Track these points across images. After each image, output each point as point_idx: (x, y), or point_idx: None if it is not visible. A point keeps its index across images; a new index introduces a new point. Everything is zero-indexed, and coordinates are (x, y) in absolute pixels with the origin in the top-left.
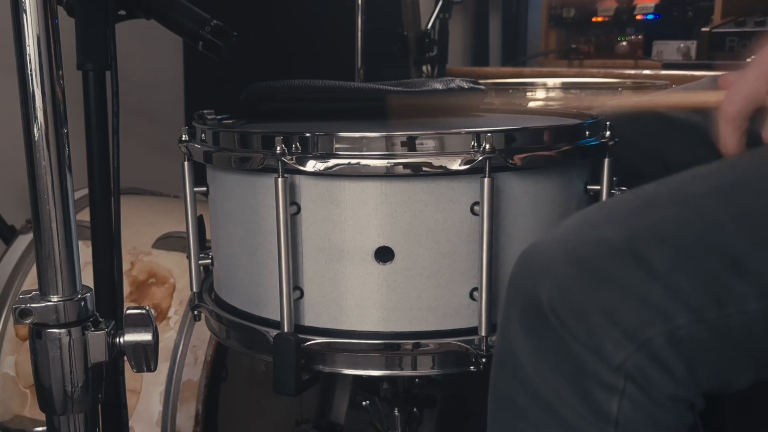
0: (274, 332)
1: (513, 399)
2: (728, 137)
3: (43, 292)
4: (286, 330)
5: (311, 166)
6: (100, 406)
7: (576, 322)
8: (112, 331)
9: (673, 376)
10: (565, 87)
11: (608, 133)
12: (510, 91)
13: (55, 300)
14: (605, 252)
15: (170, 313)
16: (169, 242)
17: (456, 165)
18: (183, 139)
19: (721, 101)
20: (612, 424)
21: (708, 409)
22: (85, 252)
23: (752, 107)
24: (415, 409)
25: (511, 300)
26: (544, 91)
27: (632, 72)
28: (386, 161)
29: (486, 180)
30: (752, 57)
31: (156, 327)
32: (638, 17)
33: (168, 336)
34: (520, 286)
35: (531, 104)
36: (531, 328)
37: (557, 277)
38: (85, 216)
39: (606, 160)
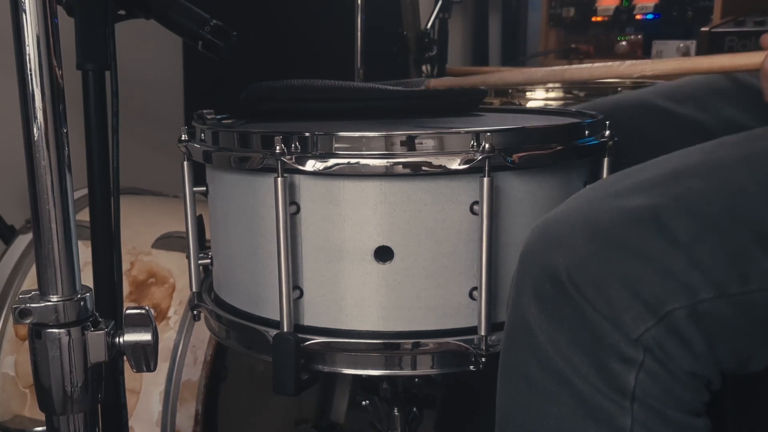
0: (273, 332)
1: (525, 371)
2: None
3: (43, 292)
4: (285, 330)
5: (311, 165)
6: (99, 406)
7: (595, 292)
8: (112, 331)
9: (693, 351)
10: (564, 87)
11: (607, 132)
12: (509, 91)
13: (55, 300)
14: (628, 221)
15: (170, 313)
16: (169, 242)
17: (455, 164)
18: (182, 138)
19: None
20: (629, 397)
21: (709, 407)
22: (84, 252)
23: None
24: (414, 409)
25: (525, 271)
26: (544, 91)
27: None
28: (386, 161)
29: (485, 179)
30: None
31: (156, 327)
32: (638, 17)
33: (168, 336)
34: (536, 256)
35: (530, 104)
36: (546, 298)
37: (577, 246)
38: (84, 216)
39: (605, 160)
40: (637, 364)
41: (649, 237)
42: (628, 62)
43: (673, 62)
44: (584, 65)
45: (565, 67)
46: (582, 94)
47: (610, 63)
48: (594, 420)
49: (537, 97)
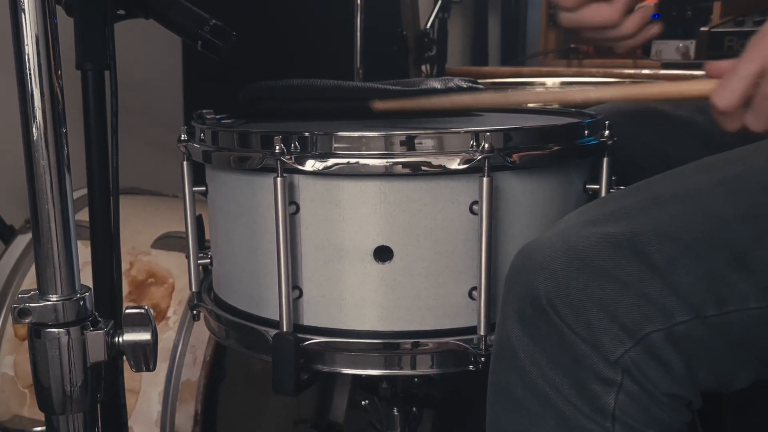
0: (273, 332)
1: (511, 391)
2: (726, 126)
3: (42, 292)
4: (285, 330)
5: (310, 165)
6: (99, 405)
7: (574, 316)
8: (111, 331)
9: (671, 372)
10: (564, 87)
11: (607, 132)
12: (509, 90)
13: (54, 300)
14: (606, 247)
15: (169, 313)
16: (168, 242)
17: (455, 164)
18: (182, 138)
19: (711, 91)
20: (609, 417)
21: (707, 408)
22: (84, 252)
23: (743, 101)
24: (414, 409)
25: (509, 293)
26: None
27: (631, 71)
28: (385, 161)
29: (485, 179)
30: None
31: (155, 327)
32: None
33: (167, 336)
34: (519, 279)
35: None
36: (529, 321)
37: (557, 270)
38: (84, 216)
39: (605, 159)
40: (616, 386)
41: (625, 262)
42: (576, 88)
43: (617, 89)
44: (535, 90)
45: (508, 93)
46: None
47: (551, 89)
48: None
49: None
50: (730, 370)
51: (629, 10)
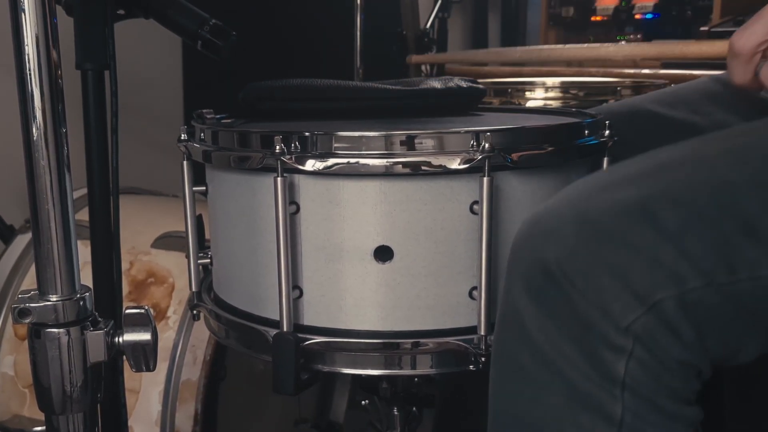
0: (273, 332)
1: (517, 360)
2: (737, 74)
3: (42, 292)
4: (285, 329)
5: (310, 165)
6: (99, 405)
7: (585, 282)
8: (111, 331)
9: (682, 340)
10: (564, 86)
11: (607, 132)
12: (509, 90)
13: (54, 300)
14: (617, 212)
15: (169, 313)
16: (168, 242)
17: (455, 164)
18: (182, 138)
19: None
20: (618, 385)
21: (707, 400)
22: (84, 251)
23: (761, 46)
24: (414, 409)
25: (516, 261)
26: (543, 91)
27: (631, 71)
28: (385, 160)
29: (485, 179)
30: None
31: (155, 326)
32: (637, 16)
33: (167, 336)
34: (527, 247)
35: (530, 104)
36: (537, 288)
37: (567, 237)
38: (84, 215)
39: (605, 159)
40: (626, 353)
41: (637, 227)
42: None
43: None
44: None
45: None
46: (581, 93)
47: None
48: (585, 408)
49: (536, 97)
50: (739, 339)
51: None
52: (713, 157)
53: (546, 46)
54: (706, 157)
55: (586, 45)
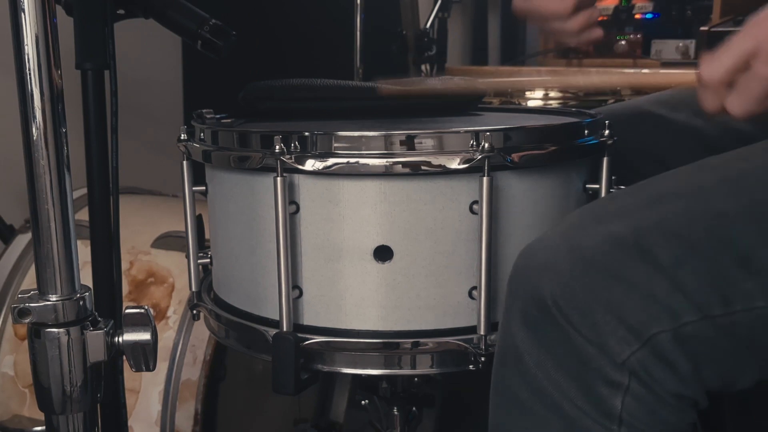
0: (273, 331)
1: (515, 394)
2: (707, 103)
3: (42, 292)
4: (285, 329)
5: (310, 165)
6: (99, 405)
7: (580, 318)
8: (111, 331)
9: (678, 373)
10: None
11: (607, 132)
12: (509, 90)
13: (54, 299)
14: (611, 247)
15: (169, 313)
16: (168, 242)
17: (455, 164)
18: (182, 138)
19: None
20: (616, 420)
21: (708, 407)
22: (83, 251)
23: (729, 77)
24: (414, 408)
25: (513, 296)
26: (543, 90)
27: (631, 71)
28: (385, 160)
29: (485, 179)
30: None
31: (155, 326)
32: (637, 16)
33: (167, 335)
34: (523, 281)
35: (530, 104)
36: (534, 323)
37: (561, 272)
38: (83, 215)
39: (605, 159)
40: (623, 388)
41: (631, 262)
42: (580, 74)
43: (620, 76)
44: (536, 78)
45: (520, 79)
46: (581, 93)
47: (557, 68)
48: None
49: (536, 97)
50: (736, 370)
51: (580, 8)
52: (707, 188)
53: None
54: (700, 188)
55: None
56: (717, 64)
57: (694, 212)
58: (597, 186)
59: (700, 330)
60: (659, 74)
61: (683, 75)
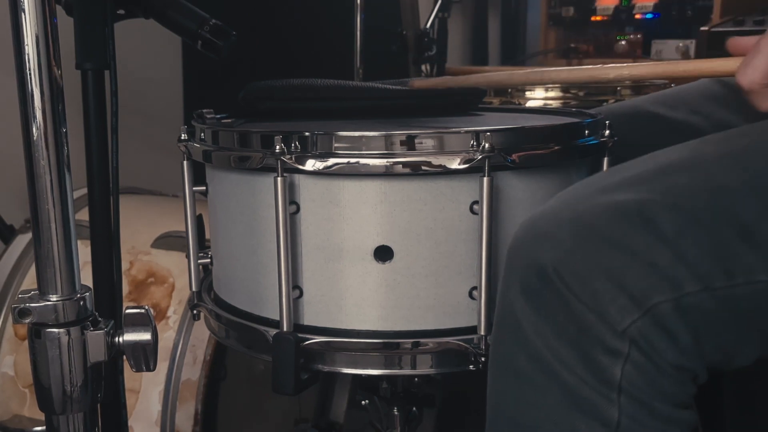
0: (273, 331)
1: (514, 363)
2: (757, 104)
3: (42, 292)
4: (285, 329)
5: (310, 165)
6: (99, 405)
7: (581, 286)
8: (112, 331)
9: (678, 344)
10: (563, 86)
11: (607, 132)
12: (509, 90)
13: (54, 299)
14: (614, 216)
15: (169, 313)
16: (168, 241)
17: (455, 164)
18: (182, 138)
19: (734, 70)
20: (615, 389)
21: (706, 393)
22: (84, 251)
23: None
24: (414, 408)
25: (513, 264)
26: (543, 91)
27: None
28: (385, 160)
29: (485, 179)
30: None
31: (155, 327)
32: (637, 16)
33: (167, 335)
34: (523, 249)
35: (530, 104)
36: (533, 291)
37: (563, 240)
38: (84, 215)
39: (605, 159)
40: (623, 357)
41: (634, 231)
42: (612, 65)
43: (649, 67)
44: (567, 67)
45: (551, 69)
46: (581, 93)
47: (592, 66)
48: (581, 411)
49: (536, 97)
50: (736, 343)
51: None
52: (711, 161)
53: (548, 69)
54: (704, 161)
55: (600, 66)
56: (751, 70)
57: (698, 185)
58: None
59: (701, 301)
60: (692, 63)
61: (717, 63)
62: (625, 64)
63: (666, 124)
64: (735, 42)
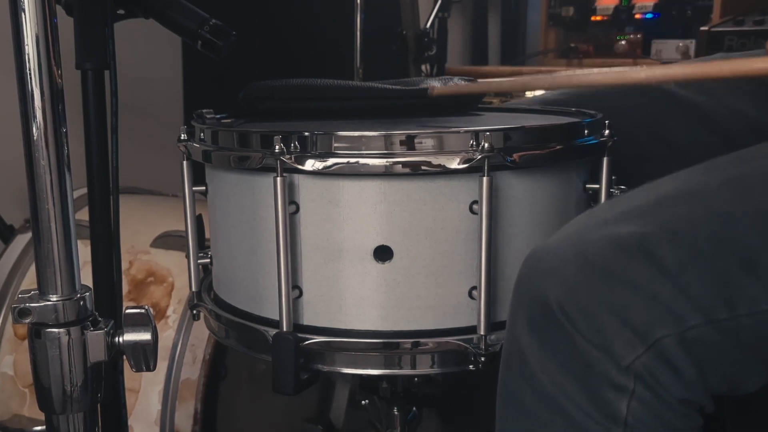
0: (273, 331)
1: (521, 399)
2: None
3: (42, 292)
4: (285, 329)
5: (310, 165)
6: (99, 405)
7: (585, 322)
8: (111, 331)
9: (683, 378)
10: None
11: (607, 131)
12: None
13: (54, 299)
14: (615, 250)
15: (169, 312)
16: (168, 241)
17: (455, 164)
18: (182, 138)
19: None
20: (621, 425)
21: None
22: (84, 251)
23: None
24: (414, 408)
25: (519, 300)
26: (543, 91)
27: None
28: (385, 160)
29: (485, 179)
30: None
31: (155, 326)
32: (637, 16)
33: (167, 335)
34: (529, 285)
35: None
36: (539, 327)
37: (566, 275)
38: (84, 215)
39: (605, 159)
40: (628, 392)
41: (636, 265)
42: (641, 68)
43: (681, 67)
44: (589, 70)
45: (573, 72)
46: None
47: (618, 69)
48: None
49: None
50: (741, 374)
51: None
52: (712, 190)
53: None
54: (704, 190)
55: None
56: None
57: (699, 216)
58: (597, 186)
59: (705, 334)
60: (725, 64)
61: (754, 63)
62: (657, 66)
63: (674, 100)
64: None
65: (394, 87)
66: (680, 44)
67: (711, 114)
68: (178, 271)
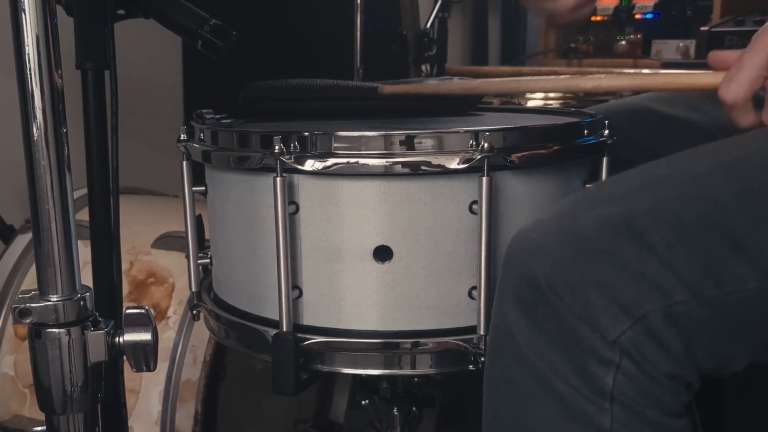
0: (273, 332)
1: (509, 374)
2: (738, 120)
3: (43, 292)
4: (284, 329)
5: (310, 165)
6: (99, 405)
7: (572, 297)
8: (112, 331)
9: (670, 353)
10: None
11: (606, 131)
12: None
13: (55, 300)
14: (603, 228)
15: (169, 313)
16: (168, 242)
17: (454, 164)
18: (182, 138)
19: (716, 84)
20: (608, 398)
21: (706, 394)
22: (84, 251)
23: (752, 93)
24: (414, 408)
25: (507, 276)
26: (543, 91)
27: (631, 71)
28: (385, 160)
29: (484, 179)
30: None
31: (155, 327)
32: (637, 16)
33: (167, 336)
34: (516, 262)
35: (530, 103)
36: (526, 303)
37: (554, 252)
38: (84, 215)
39: (604, 159)
40: (614, 366)
41: (623, 243)
42: (587, 76)
43: (628, 78)
44: (537, 77)
45: (521, 78)
46: (581, 93)
47: (566, 77)
48: (575, 421)
49: (536, 97)
50: (729, 350)
51: None
52: (700, 173)
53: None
54: (693, 173)
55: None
56: (735, 85)
57: (687, 197)
58: None
59: (691, 309)
60: (673, 76)
61: (699, 78)
62: (602, 75)
63: (666, 120)
64: (716, 56)
65: (346, 85)
66: (680, 44)
67: (702, 127)
68: (178, 272)
